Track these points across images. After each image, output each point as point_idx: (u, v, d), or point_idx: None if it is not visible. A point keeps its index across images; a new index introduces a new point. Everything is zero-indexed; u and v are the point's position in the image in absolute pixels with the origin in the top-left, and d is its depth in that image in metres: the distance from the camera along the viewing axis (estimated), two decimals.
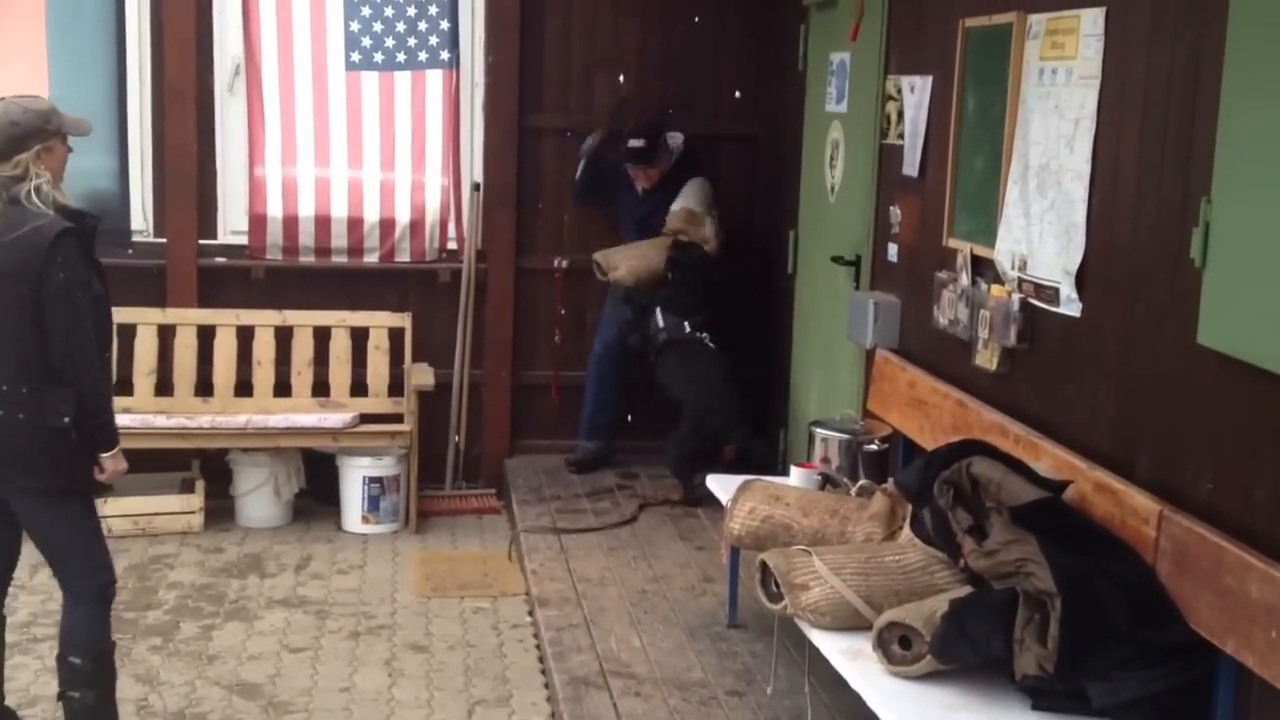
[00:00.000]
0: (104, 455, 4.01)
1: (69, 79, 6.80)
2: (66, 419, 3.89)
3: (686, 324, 6.63)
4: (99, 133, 6.87)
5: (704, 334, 6.64)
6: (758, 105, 7.40)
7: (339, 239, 7.04)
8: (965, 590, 3.69)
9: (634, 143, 6.85)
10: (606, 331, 7.13)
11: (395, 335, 6.96)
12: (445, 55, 7.06)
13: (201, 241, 6.95)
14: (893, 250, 5.51)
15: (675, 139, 7.03)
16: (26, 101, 4.04)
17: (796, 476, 4.91)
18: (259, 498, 6.58)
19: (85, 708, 4.05)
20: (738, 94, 7.42)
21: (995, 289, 4.45)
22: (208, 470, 6.73)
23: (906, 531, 4.00)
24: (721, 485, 5.13)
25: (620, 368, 7.09)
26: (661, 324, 6.65)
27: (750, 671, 4.76)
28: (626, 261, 6.73)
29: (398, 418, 6.72)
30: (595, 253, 6.86)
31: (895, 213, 5.48)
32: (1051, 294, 4.12)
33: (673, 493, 6.68)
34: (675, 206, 6.88)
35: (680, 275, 6.63)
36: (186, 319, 6.78)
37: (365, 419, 6.71)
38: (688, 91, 7.37)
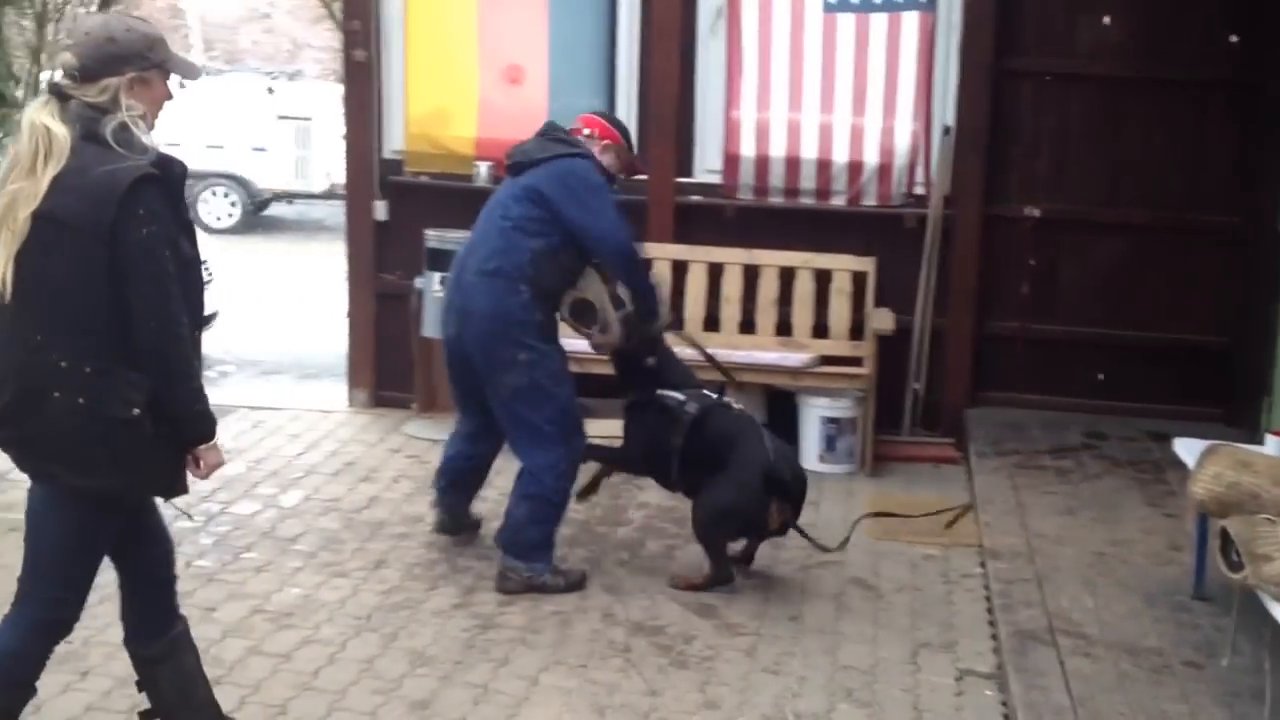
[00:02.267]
0: (201, 447, 3.39)
1: (566, 19, 7.27)
2: (136, 410, 3.23)
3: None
4: (590, 72, 7.34)
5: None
6: (1256, 49, 6.85)
7: (808, 180, 7.16)
8: None
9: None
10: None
11: (858, 279, 7.01)
12: None
13: (679, 180, 7.24)
14: None
15: None
16: (133, 20, 3.42)
17: (1273, 445, 4.60)
18: None
19: None
20: (1233, 38, 6.90)
21: None
22: None
23: None
24: (1188, 449, 4.88)
25: None
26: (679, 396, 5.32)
27: (1212, 645, 4.52)
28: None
29: (857, 361, 6.78)
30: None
31: None
32: None
33: (696, 576, 5.23)
34: None
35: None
36: (665, 253, 7.07)
37: (825, 360, 6.83)
38: (1176, 33, 6.97)
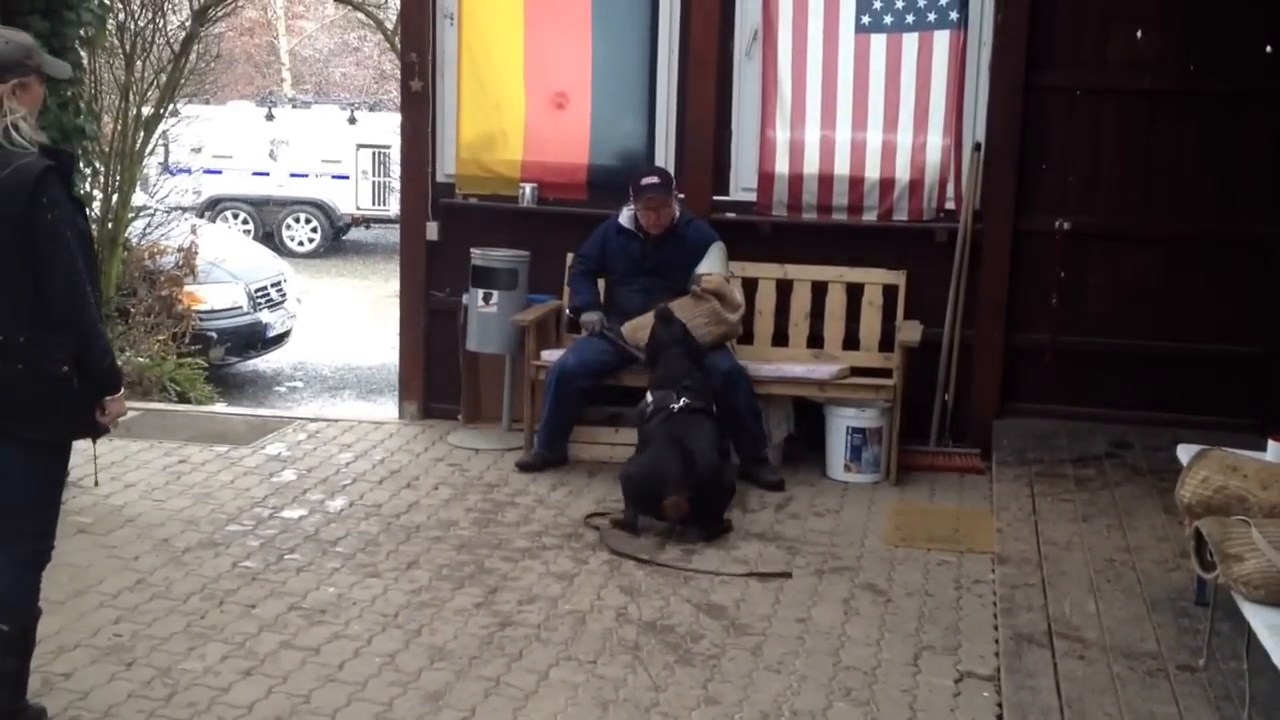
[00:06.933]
0: (109, 398, 3.92)
1: (608, 46, 7.51)
2: (65, 367, 3.77)
3: (681, 398, 6.28)
4: (632, 98, 7.55)
5: (687, 401, 6.28)
6: None
7: (840, 197, 7.30)
8: None
9: (649, 179, 6.87)
10: (584, 350, 6.92)
11: (889, 292, 7.15)
12: (954, 15, 7.11)
13: (715, 198, 7.44)
14: None
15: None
16: (8, 33, 3.84)
17: (1274, 451, 4.65)
18: None
19: (5, 675, 3.93)
20: (1269, 49, 6.94)
21: None
22: None
23: None
24: (1186, 454, 4.94)
25: (587, 389, 6.90)
26: (649, 399, 6.41)
27: (1210, 649, 4.58)
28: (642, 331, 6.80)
29: (886, 372, 6.90)
30: (623, 326, 6.88)
31: None
32: None
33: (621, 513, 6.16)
34: (707, 269, 6.84)
35: (666, 353, 6.53)
36: None
37: (856, 372, 6.96)
38: (1211, 45, 7.00)
